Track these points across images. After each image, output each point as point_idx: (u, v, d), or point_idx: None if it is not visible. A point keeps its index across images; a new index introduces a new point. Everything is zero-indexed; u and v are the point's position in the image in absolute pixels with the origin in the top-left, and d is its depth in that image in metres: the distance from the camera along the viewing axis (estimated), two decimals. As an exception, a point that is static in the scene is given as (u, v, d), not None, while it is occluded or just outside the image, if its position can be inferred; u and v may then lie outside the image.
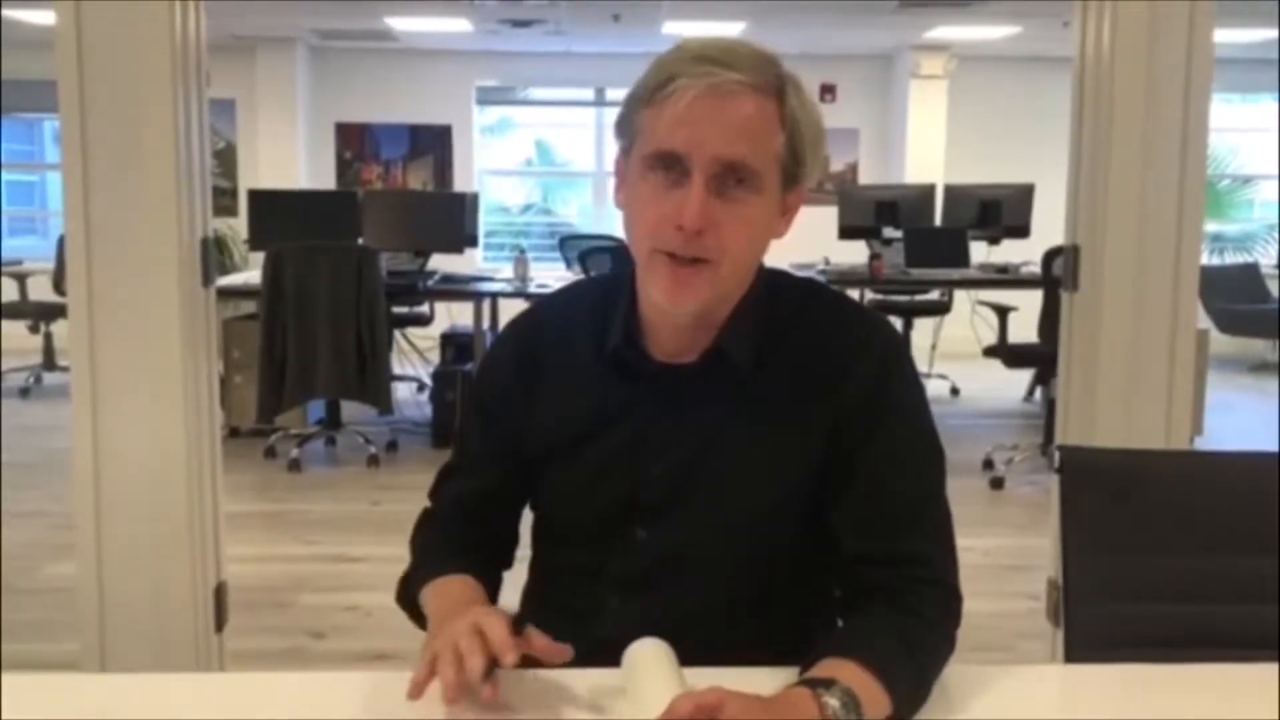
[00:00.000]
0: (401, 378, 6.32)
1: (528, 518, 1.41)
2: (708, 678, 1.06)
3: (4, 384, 7.27)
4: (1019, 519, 4.74)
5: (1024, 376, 6.95)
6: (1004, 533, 4.44)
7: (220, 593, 2.58)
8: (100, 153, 2.36)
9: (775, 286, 1.26)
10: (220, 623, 2.58)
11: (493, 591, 1.34)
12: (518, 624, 1.13)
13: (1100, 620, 1.32)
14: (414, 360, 6.54)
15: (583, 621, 1.29)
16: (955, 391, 7.28)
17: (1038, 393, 6.98)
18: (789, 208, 1.21)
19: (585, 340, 1.29)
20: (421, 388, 6.71)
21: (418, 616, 1.30)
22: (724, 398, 1.23)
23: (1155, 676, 1.21)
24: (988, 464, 5.23)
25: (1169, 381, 2.47)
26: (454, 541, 1.36)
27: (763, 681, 1.12)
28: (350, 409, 5.69)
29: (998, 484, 5.05)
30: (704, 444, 1.24)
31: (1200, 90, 2.41)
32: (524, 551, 1.43)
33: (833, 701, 1.01)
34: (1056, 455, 1.39)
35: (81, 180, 2.35)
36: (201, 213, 2.47)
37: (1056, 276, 4.99)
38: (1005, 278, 6.34)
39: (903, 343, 1.27)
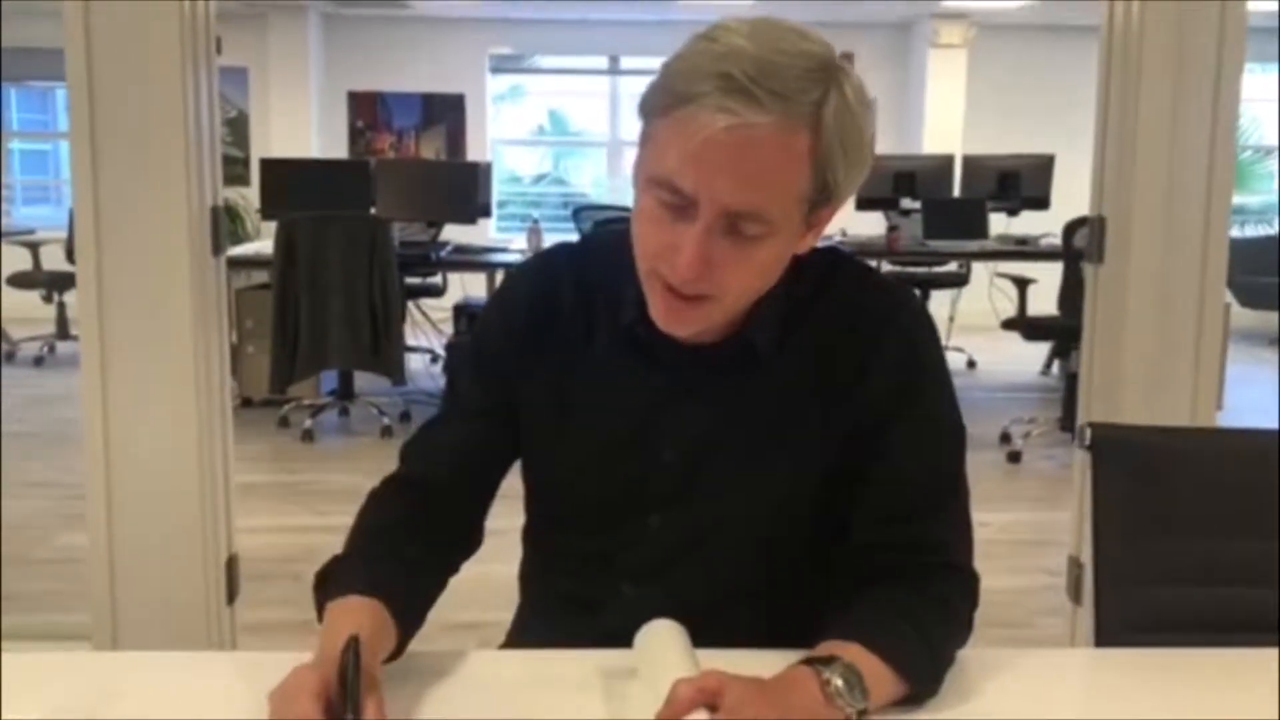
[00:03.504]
0: (414, 349, 6.29)
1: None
2: (721, 660, 1.03)
3: (18, 354, 7.28)
4: (1037, 493, 4.70)
5: (1041, 350, 6.89)
6: (1022, 507, 4.40)
7: (232, 565, 2.56)
8: (108, 121, 2.32)
9: (798, 261, 1.16)
10: (232, 595, 2.57)
11: (426, 596, 1.17)
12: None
13: (1132, 603, 1.28)
14: (427, 331, 6.51)
15: (592, 611, 1.25)
16: (972, 364, 7.23)
17: (1055, 366, 6.93)
18: (817, 224, 1.10)
19: (601, 306, 1.21)
20: (435, 359, 6.69)
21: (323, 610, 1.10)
22: (742, 380, 1.18)
23: (1189, 661, 1.17)
24: (1005, 438, 5.19)
25: (1195, 357, 2.42)
26: (406, 526, 1.18)
27: (777, 664, 1.08)
28: (363, 380, 5.67)
29: (1015, 458, 5.01)
30: (721, 428, 1.18)
31: (1232, 58, 2.35)
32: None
33: (835, 679, 0.98)
34: (1087, 433, 1.35)
35: (89, 149, 2.32)
36: (211, 181, 2.44)
37: (1077, 248, 4.93)
38: (1025, 249, 6.27)
39: (928, 318, 1.20)
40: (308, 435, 5.28)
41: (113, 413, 2.41)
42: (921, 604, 1.11)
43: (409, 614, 1.11)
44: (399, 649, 1.09)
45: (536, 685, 1.12)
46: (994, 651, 1.16)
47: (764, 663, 1.06)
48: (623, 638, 1.14)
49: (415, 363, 6.32)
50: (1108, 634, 1.29)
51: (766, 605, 1.23)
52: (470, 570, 1.27)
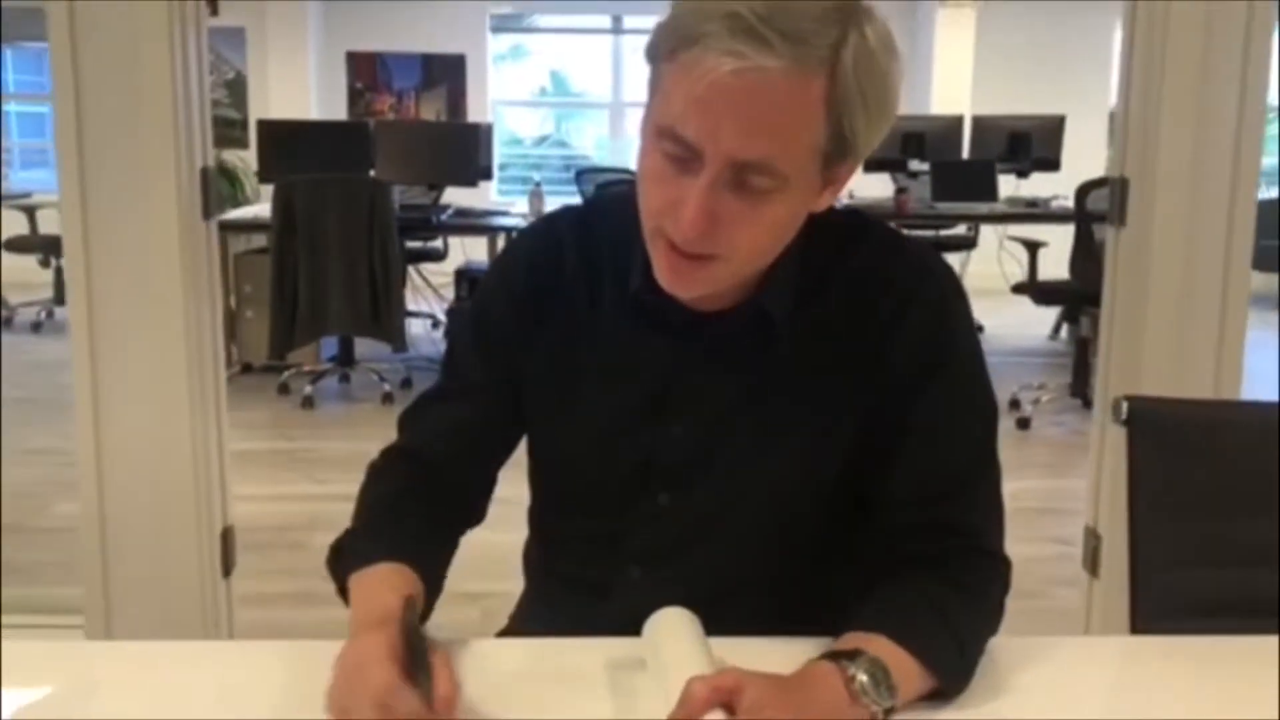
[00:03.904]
0: (415, 314, 6.22)
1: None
2: (735, 648, 0.99)
3: (16, 319, 7.20)
4: (1047, 460, 4.64)
5: (1049, 315, 6.80)
6: (1032, 474, 4.34)
7: (227, 537, 2.50)
8: (93, 81, 2.23)
9: (817, 222, 1.07)
10: (227, 568, 2.50)
11: (442, 563, 1.15)
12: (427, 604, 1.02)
13: (1172, 587, 1.21)
14: (428, 296, 6.44)
15: (600, 595, 1.18)
16: (980, 329, 7.14)
17: (1064, 330, 6.85)
18: (834, 181, 1.01)
19: (607, 272, 1.13)
20: (436, 324, 6.61)
21: (345, 586, 1.09)
22: (757, 352, 1.09)
23: (1234, 650, 1.09)
24: (1014, 404, 5.11)
25: (1220, 324, 2.34)
26: (410, 497, 1.15)
27: (794, 651, 1.03)
28: (364, 346, 5.60)
29: (1024, 424, 4.94)
30: (733, 403, 1.10)
31: (1263, 15, 2.25)
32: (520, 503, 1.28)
33: (860, 675, 0.91)
34: (1124, 406, 1.27)
35: (74, 107, 2.23)
36: (201, 142, 2.35)
37: (1090, 211, 4.84)
38: (1035, 212, 6.17)
39: (959, 287, 1.11)
40: (308, 402, 5.21)
41: (102, 382, 2.33)
42: (951, 592, 1.04)
43: (431, 579, 1.09)
44: (425, 614, 1.07)
45: (538, 678, 1.06)
46: (1025, 641, 1.10)
47: (780, 652, 1.01)
48: (631, 624, 1.08)
49: (416, 328, 6.25)
50: (1145, 620, 1.22)
51: (783, 590, 1.17)
52: (474, 539, 1.23)
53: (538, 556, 1.30)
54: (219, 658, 1.11)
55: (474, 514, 1.22)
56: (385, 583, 1.03)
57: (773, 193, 0.96)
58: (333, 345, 5.66)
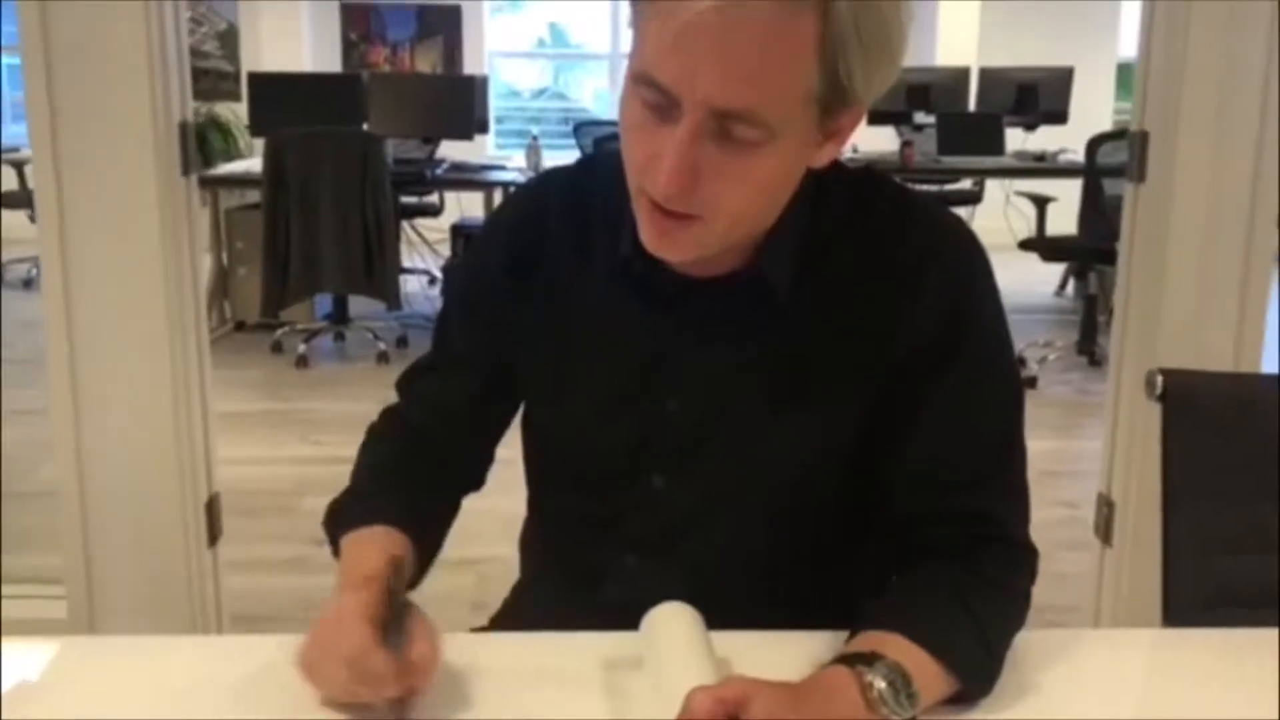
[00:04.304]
0: (410, 270, 6.12)
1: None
2: (737, 643, 0.93)
3: (6, 275, 7.10)
4: (1054, 420, 4.56)
5: (1056, 271, 6.70)
6: (1039, 435, 4.20)
7: (213, 506, 2.42)
8: (62, 30, 2.12)
9: (824, 182, 0.98)
10: (213, 537, 2.43)
11: (438, 529, 1.12)
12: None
13: (1208, 575, 1.13)
14: (423, 253, 6.33)
15: (593, 582, 1.10)
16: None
17: (1070, 286, 6.75)
18: (835, 133, 0.91)
19: (597, 237, 1.04)
20: (432, 280, 6.52)
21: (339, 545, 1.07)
22: (758, 323, 1.00)
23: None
24: (1020, 362, 5.02)
25: (1242, 285, 2.24)
26: (408, 462, 1.12)
27: (802, 647, 0.97)
28: (359, 304, 5.51)
29: (1030, 384, 4.86)
30: (731, 378, 1.01)
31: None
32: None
33: (878, 682, 0.83)
34: (1158, 381, 1.18)
35: (43, 59, 2.13)
36: (180, 94, 2.24)
37: (1100, 166, 4.73)
38: (1043, 166, 6.05)
39: (980, 251, 1.01)
40: (302, 361, 5.13)
41: (79, 344, 2.24)
42: (973, 585, 0.96)
43: (426, 545, 1.08)
44: (415, 580, 1.05)
45: (528, 677, 0.97)
46: (1050, 634, 1.01)
47: (786, 646, 0.95)
48: (627, 614, 1.00)
49: (412, 285, 6.15)
50: (1179, 610, 1.14)
51: (787, 579, 1.08)
52: (468, 504, 1.20)
53: (532, 540, 1.23)
54: (220, 653, 1.04)
55: (472, 482, 1.19)
56: (375, 544, 1.01)
57: (761, 145, 0.85)
58: (327, 303, 5.57)
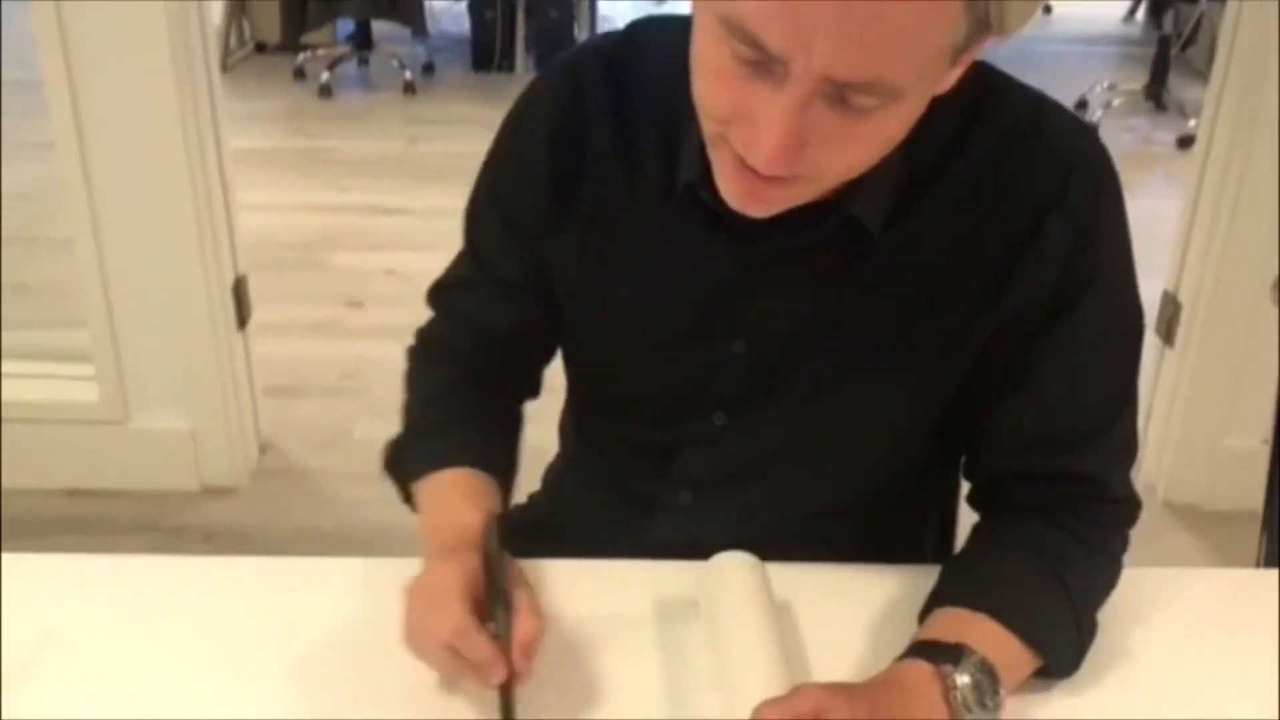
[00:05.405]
0: (437, -11, 5.76)
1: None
2: (795, 578, 0.90)
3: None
4: (1113, 175, 4.34)
5: (1126, -6, 6.25)
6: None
7: (240, 288, 2.33)
8: None
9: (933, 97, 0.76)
10: (242, 319, 2.35)
11: (511, 448, 1.02)
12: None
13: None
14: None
15: (643, 514, 1.01)
16: (1048, 9, 6.57)
17: (1140, 12, 6.30)
18: (967, 58, 0.72)
19: (648, 143, 0.87)
20: (459, -3, 6.14)
21: (409, 491, 0.97)
22: (844, 260, 0.85)
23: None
24: (1081, 104, 4.74)
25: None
26: (463, 389, 1.01)
27: (866, 582, 0.93)
28: (382, 29, 5.21)
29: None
30: (808, 325, 0.88)
31: None
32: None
33: (962, 683, 0.75)
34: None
35: None
36: None
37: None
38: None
39: (1113, 175, 0.84)
40: (325, 91, 4.89)
41: (77, 68, 2.09)
42: (1072, 556, 0.86)
43: (505, 471, 0.98)
44: (504, 516, 0.95)
45: (578, 612, 0.90)
46: (1140, 573, 0.93)
47: (844, 581, 0.92)
48: (675, 549, 0.93)
49: (438, 3, 5.79)
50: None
51: (850, 526, 0.99)
52: None
53: (569, 452, 1.13)
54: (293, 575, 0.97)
55: (531, 392, 1.07)
56: (458, 492, 0.92)
57: (885, 105, 0.68)
58: (349, 26, 5.27)
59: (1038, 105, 0.85)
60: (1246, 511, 1.95)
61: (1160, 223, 2.46)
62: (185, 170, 2.12)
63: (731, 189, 0.76)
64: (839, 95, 0.67)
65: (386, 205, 3.79)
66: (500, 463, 0.97)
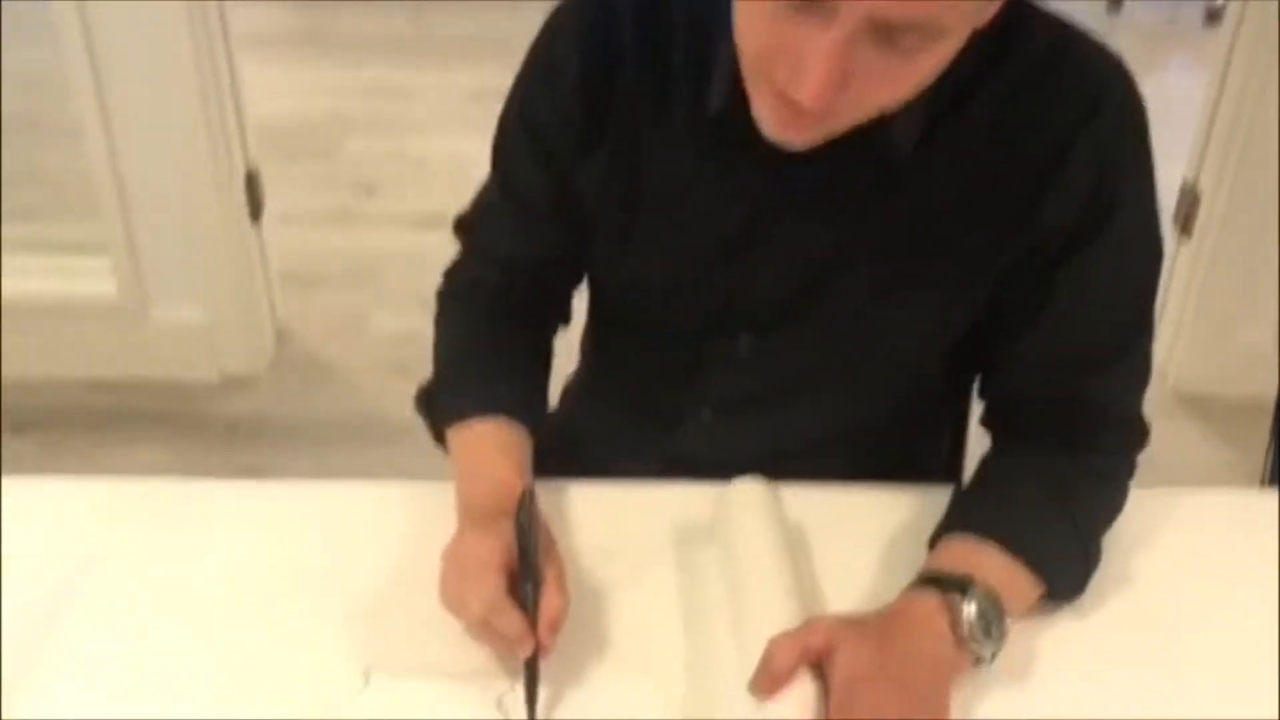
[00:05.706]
0: None
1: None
2: (809, 499, 0.92)
3: None
4: (1136, 54, 4.13)
5: None
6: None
7: (252, 182, 2.32)
8: None
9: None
10: (256, 212, 2.35)
11: (543, 385, 1.03)
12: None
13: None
14: None
15: (664, 430, 1.03)
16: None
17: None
18: None
19: (678, 65, 0.87)
20: None
21: (442, 433, 0.97)
22: (875, 186, 0.86)
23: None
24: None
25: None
26: (497, 330, 1.01)
27: (874, 505, 0.95)
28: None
29: (1115, 6, 4.47)
30: (835, 251, 0.88)
31: None
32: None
33: (969, 612, 0.78)
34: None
35: None
36: None
37: None
38: None
39: (1142, 108, 0.84)
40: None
41: None
42: (1080, 481, 0.88)
43: (536, 420, 0.97)
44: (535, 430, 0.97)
45: (596, 534, 0.93)
46: (1155, 493, 0.95)
47: (856, 503, 0.95)
48: (695, 466, 0.96)
49: None
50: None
51: (869, 448, 1.02)
52: None
53: (588, 367, 1.14)
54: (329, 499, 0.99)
55: (562, 320, 1.08)
56: (495, 446, 0.92)
57: (927, 45, 0.69)
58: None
59: (1067, 33, 0.85)
60: (1255, 404, 1.97)
61: (1182, 105, 2.42)
62: (191, 59, 2.10)
63: (770, 119, 0.77)
64: (885, 34, 0.68)
65: (397, 85, 3.71)
66: (533, 408, 0.98)
